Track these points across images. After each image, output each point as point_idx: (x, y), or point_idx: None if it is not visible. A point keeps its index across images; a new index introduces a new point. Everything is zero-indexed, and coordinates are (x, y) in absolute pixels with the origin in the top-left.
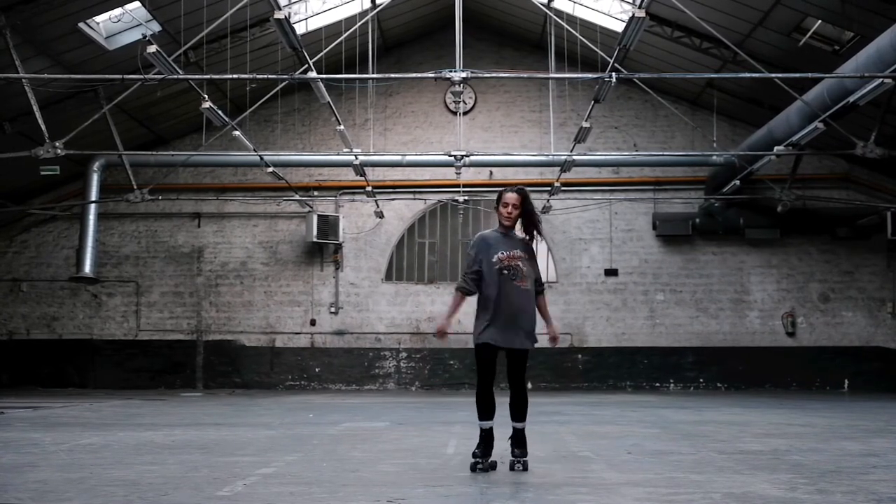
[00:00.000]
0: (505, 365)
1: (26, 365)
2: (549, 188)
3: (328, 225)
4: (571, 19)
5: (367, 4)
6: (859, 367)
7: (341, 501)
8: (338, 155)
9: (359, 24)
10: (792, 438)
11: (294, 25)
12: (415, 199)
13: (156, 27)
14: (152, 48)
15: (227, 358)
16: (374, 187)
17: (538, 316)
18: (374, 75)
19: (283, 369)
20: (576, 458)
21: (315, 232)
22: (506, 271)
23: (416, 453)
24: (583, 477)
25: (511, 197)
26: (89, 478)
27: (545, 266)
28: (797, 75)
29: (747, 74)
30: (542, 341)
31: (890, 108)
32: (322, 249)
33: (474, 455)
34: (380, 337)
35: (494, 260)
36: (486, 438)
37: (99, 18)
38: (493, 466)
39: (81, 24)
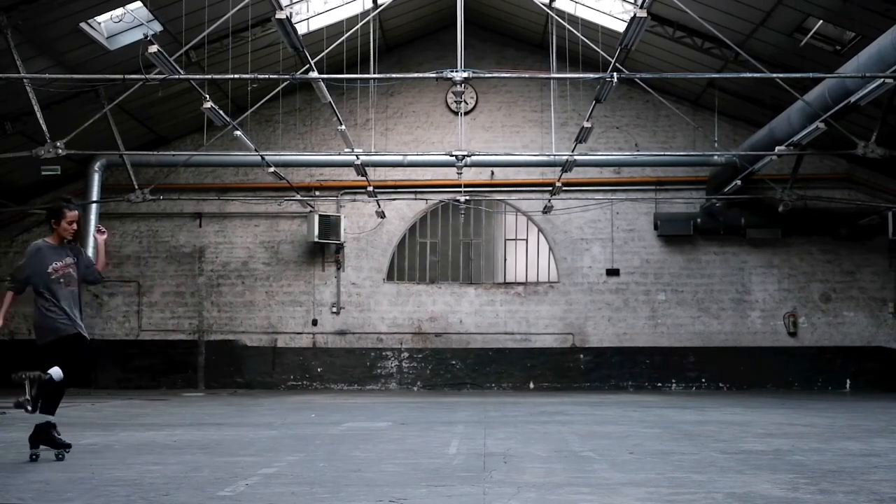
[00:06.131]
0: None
1: (28, 365)
2: (550, 188)
3: (330, 225)
4: (573, 19)
5: (369, 4)
6: (861, 368)
7: (343, 501)
8: (339, 155)
9: (360, 24)
10: (794, 438)
11: (295, 25)
12: (416, 199)
13: (157, 27)
14: (153, 48)
15: (228, 358)
16: (375, 187)
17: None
18: (376, 75)
19: (285, 369)
20: (578, 458)
21: (316, 232)
22: (61, 280)
23: (418, 453)
24: (585, 477)
25: (75, 215)
26: (91, 478)
27: (547, 266)
28: (798, 75)
29: (748, 74)
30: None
31: (891, 107)
32: (323, 249)
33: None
34: (381, 337)
35: (50, 270)
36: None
37: (100, 18)
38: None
39: (83, 24)
